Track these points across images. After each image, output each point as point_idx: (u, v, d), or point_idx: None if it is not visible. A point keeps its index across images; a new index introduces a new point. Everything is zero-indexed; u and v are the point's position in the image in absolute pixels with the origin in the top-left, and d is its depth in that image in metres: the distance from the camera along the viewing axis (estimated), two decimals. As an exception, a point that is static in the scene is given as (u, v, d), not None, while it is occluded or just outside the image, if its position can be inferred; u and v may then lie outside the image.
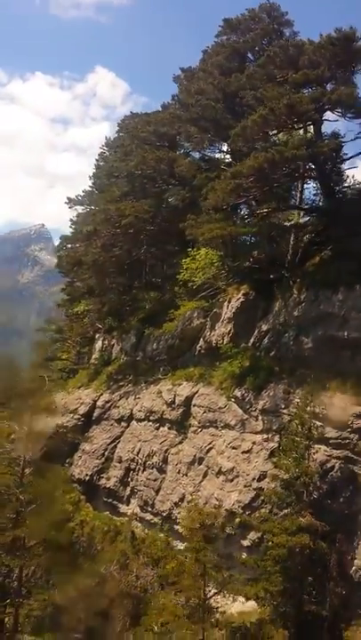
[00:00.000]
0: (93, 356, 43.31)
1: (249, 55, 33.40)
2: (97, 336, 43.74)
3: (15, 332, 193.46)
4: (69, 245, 46.56)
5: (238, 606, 22.30)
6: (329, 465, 20.66)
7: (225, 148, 34.83)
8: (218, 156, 36.83)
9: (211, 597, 20.23)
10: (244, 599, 21.17)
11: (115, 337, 41.17)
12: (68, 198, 47.24)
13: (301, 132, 26.63)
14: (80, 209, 49.57)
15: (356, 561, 19.05)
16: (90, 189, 47.45)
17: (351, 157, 26.77)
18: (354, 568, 18.99)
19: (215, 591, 20.62)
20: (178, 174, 35.89)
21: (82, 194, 48.81)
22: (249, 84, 27.24)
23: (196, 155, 37.58)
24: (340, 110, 24.36)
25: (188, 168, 35.41)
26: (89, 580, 25.58)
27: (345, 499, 20.00)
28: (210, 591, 20.14)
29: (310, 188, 30.60)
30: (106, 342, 42.12)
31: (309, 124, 25.41)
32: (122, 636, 23.45)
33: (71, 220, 48.87)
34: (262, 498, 21.96)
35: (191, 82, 36.44)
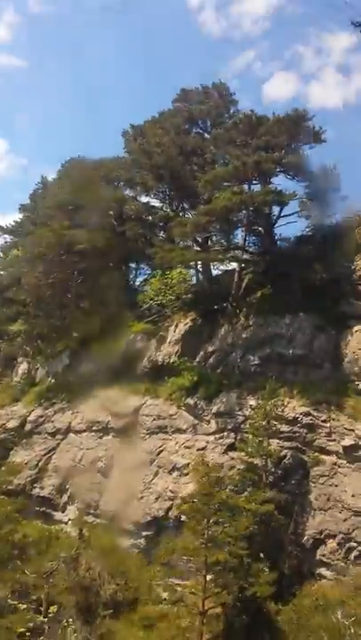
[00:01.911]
0: (15, 379, 43.81)
1: (199, 123, 38.88)
2: (20, 359, 44.55)
3: None
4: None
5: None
6: (282, 454, 24.39)
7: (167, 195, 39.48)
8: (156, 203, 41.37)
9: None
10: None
11: (39, 360, 42.44)
12: (21, 205, 49.73)
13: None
14: (8, 238, 51.32)
15: (307, 532, 22.62)
16: (24, 219, 49.65)
17: (292, 214, 32.29)
18: (306, 537, 22.52)
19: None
20: (126, 213, 39.67)
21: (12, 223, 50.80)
22: (213, 143, 32.35)
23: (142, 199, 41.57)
24: (291, 173, 30.02)
25: (137, 209, 39.35)
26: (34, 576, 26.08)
27: (296, 481, 23.74)
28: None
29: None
30: (30, 365, 43.14)
31: (267, 180, 30.68)
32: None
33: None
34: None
35: (140, 137, 41.24)
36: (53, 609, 24.28)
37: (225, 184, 29.52)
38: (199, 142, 36.68)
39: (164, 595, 24.97)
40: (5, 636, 21.70)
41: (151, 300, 34.03)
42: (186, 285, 33.04)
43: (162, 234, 40.38)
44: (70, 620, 23.52)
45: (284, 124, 30.14)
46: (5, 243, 50.89)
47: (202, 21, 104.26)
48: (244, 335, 29.75)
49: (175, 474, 27.20)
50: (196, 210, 34.84)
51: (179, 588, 23.47)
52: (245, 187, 29.91)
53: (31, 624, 22.73)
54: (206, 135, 38.22)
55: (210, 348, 31.28)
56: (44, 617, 23.39)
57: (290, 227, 37.38)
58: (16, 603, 23.59)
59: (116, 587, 25.85)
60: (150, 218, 39.21)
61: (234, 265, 34.02)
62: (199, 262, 34.84)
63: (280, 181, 31.02)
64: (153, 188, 37.99)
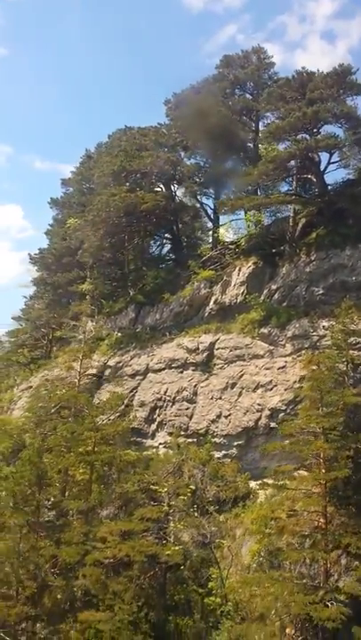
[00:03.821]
0: (79, 337, 47.60)
1: (243, 85, 42.15)
2: (84, 318, 48.32)
3: None
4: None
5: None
6: (357, 362, 28.14)
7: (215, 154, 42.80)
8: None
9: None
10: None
11: (104, 317, 46.18)
12: (62, 180, 53.54)
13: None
14: (56, 211, 55.15)
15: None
16: (74, 191, 53.35)
17: (337, 162, 35.68)
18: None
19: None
20: (178, 175, 43.19)
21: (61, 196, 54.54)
22: (266, 100, 35.72)
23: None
24: (342, 121, 33.45)
25: (188, 170, 42.81)
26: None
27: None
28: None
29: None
30: (95, 323, 46.88)
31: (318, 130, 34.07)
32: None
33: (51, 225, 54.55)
34: (303, 395, 28.62)
35: (182, 104, 44.57)
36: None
37: (284, 135, 32.91)
38: (246, 102, 40.08)
39: (261, 492, 28.92)
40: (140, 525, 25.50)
41: (219, 245, 37.62)
42: (258, 228, 36.60)
43: (210, 191, 44.10)
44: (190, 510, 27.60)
45: (331, 78, 33.47)
46: (57, 215, 54.53)
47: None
48: (307, 269, 33.33)
49: (260, 390, 31.00)
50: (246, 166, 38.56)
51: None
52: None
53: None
54: (248, 95, 41.71)
55: (273, 286, 34.89)
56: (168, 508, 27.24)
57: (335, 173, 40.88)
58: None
59: (217, 488, 29.93)
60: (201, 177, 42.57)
61: (286, 213, 37.81)
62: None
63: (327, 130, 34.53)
64: (204, 149, 41.38)
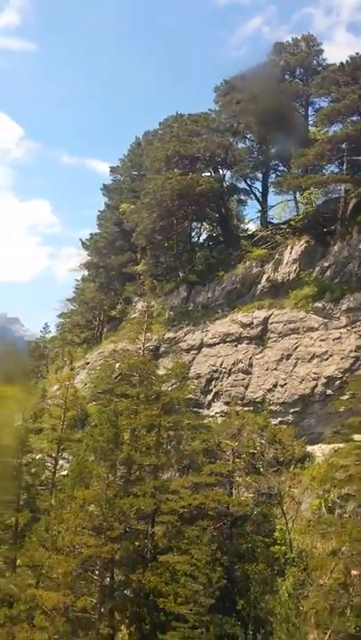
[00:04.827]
0: (132, 316, 49.84)
1: (294, 71, 43.59)
2: (136, 299, 50.56)
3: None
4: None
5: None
6: None
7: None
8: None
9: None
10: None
11: (157, 296, 48.25)
12: (111, 167, 56.04)
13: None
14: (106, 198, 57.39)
15: None
16: (125, 177, 55.52)
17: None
18: None
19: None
20: (229, 158, 44.89)
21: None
22: (319, 85, 37.21)
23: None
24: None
25: (239, 154, 44.48)
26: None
27: None
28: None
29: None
30: (147, 302, 49.01)
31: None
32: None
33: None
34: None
35: (232, 92, 46.19)
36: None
37: (338, 117, 34.41)
38: (296, 87, 41.58)
39: (318, 453, 30.73)
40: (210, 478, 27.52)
41: (270, 226, 39.32)
42: (310, 208, 38.19)
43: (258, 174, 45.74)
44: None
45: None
46: (108, 202, 56.84)
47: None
48: (359, 247, 34.86)
49: (315, 360, 32.72)
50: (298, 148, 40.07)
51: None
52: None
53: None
54: (297, 81, 43.15)
55: (325, 264, 36.48)
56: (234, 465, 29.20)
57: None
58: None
59: (275, 451, 31.79)
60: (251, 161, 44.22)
61: (336, 194, 39.31)
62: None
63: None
64: (256, 133, 43.01)
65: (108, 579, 25.66)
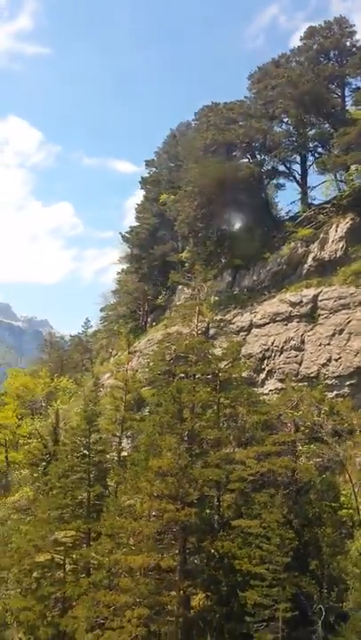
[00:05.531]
0: (178, 303, 50.92)
1: (328, 54, 44.12)
2: (180, 287, 51.63)
3: None
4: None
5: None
6: None
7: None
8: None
9: None
10: None
11: (201, 282, 49.18)
12: (146, 161, 57.25)
13: None
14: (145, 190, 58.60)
15: None
16: (161, 169, 56.82)
17: None
18: None
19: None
20: (268, 143, 45.63)
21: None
22: (358, 65, 37.76)
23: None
24: None
25: (278, 137, 45.18)
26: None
27: None
28: None
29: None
30: (191, 289, 50.04)
31: None
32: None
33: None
34: None
35: (266, 79, 46.89)
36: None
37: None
38: (332, 69, 42.12)
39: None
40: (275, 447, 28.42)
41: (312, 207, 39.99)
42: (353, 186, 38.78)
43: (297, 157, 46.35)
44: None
45: None
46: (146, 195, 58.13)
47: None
48: None
49: (369, 334, 33.32)
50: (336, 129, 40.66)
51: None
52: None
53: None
54: (332, 62, 43.66)
55: (372, 240, 37.04)
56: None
57: None
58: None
59: (333, 422, 32.47)
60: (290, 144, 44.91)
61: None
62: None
63: None
64: (293, 117, 43.65)
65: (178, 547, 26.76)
